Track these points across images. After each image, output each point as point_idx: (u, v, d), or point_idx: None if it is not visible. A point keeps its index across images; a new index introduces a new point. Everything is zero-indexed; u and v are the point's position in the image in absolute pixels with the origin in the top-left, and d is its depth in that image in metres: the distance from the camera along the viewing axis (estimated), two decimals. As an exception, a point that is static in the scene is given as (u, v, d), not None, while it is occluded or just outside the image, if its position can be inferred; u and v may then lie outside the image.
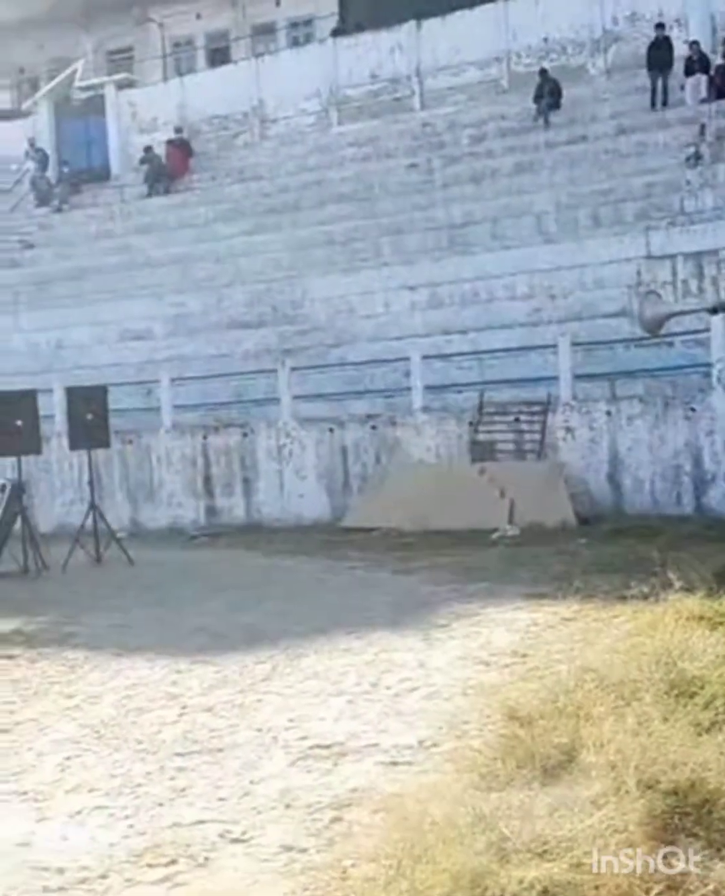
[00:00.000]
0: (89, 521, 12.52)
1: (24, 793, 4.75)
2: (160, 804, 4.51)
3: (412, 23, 21.98)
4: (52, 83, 26.72)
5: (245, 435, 15.02)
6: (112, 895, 3.68)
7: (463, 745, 4.91)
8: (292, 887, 3.63)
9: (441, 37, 21.75)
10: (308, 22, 27.89)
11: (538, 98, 19.72)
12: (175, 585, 10.53)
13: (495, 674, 6.20)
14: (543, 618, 7.61)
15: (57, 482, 15.96)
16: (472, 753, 4.71)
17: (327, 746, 5.11)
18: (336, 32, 23.72)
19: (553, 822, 3.75)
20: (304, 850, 3.94)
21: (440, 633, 7.43)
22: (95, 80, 26.25)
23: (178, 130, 24.09)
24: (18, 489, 12.21)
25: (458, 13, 21.52)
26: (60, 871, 3.89)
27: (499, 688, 5.74)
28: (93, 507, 12.63)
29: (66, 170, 24.96)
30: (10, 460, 12.90)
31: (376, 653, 6.98)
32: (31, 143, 25.53)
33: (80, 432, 12.86)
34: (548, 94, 19.67)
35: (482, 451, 13.39)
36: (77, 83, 25.91)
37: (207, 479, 15.29)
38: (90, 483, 13.11)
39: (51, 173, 25.29)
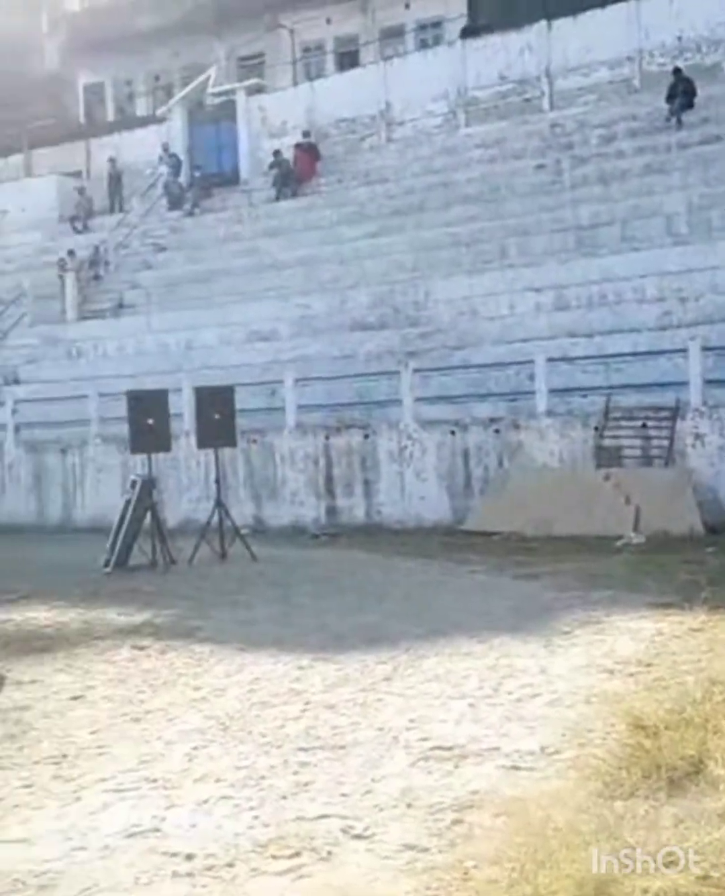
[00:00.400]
0: (215, 518, 12.80)
1: (154, 780, 4.89)
2: (284, 797, 4.59)
3: (543, 23, 21.84)
4: (186, 90, 27.38)
5: (367, 436, 15.12)
6: (238, 884, 3.77)
7: (586, 753, 4.86)
8: (413, 885, 3.66)
9: (572, 36, 21.55)
10: (437, 24, 27.95)
11: (670, 98, 19.37)
12: (297, 583, 10.68)
13: (619, 683, 6.12)
14: (669, 627, 7.47)
15: (184, 479, 16.34)
16: (595, 761, 4.67)
17: (448, 748, 5.12)
18: (466, 33, 23.68)
19: (679, 834, 3.71)
20: (425, 850, 3.96)
21: (563, 640, 7.36)
22: (226, 87, 26.80)
23: (306, 134, 24.42)
24: (149, 485, 12.54)
25: (589, 12, 21.30)
26: (189, 857, 4.00)
27: (623, 697, 5.67)
28: (219, 504, 12.90)
29: (197, 174, 25.55)
30: (141, 457, 13.31)
31: (498, 657, 6.96)
32: (165, 149, 26.21)
33: (208, 431, 13.13)
34: (681, 93, 19.30)
35: (607, 457, 13.20)
36: (210, 89, 26.49)
37: (329, 479, 15.44)
38: (216, 481, 13.36)
39: (183, 178, 25.91)
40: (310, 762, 5.04)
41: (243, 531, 13.27)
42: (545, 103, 21.94)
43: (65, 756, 5.32)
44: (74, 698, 6.49)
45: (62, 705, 6.34)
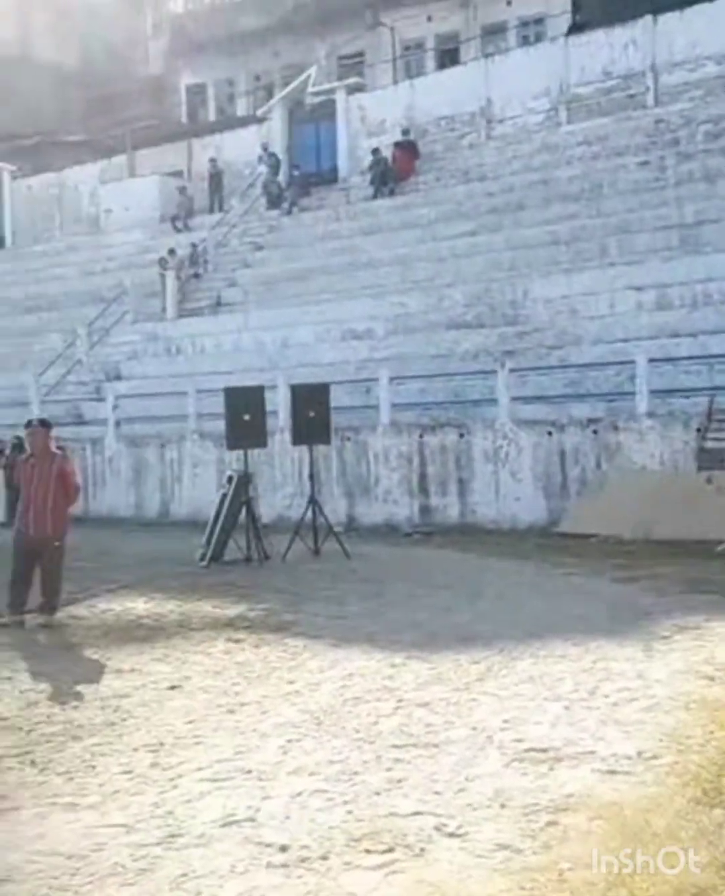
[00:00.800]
0: (309, 515, 12.87)
1: (249, 771, 4.94)
2: (377, 793, 4.60)
3: (648, 18, 21.51)
4: (287, 90, 27.62)
5: (461, 435, 15.05)
6: (332, 876, 3.79)
7: (685, 759, 4.77)
8: (507, 885, 3.64)
9: (678, 31, 21.17)
10: (539, 21, 27.71)
11: (780, 92, 18.90)
12: (389, 581, 10.69)
13: (718, 689, 5.98)
14: (771, 634, 7.29)
15: (279, 476, 16.47)
16: (694, 768, 4.58)
17: (543, 750, 5.07)
18: (571, 30, 23.41)
19: (783, 846, 3.61)
20: (519, 851, 3.93)
21: (661, 645, 7.23)
22: (326, 86, 26.94)
23: (405, 132, 24.43)
24: (245, 481, 12.68)
25: (696, 7, 20.92)
26: (283, 848, 4.03)
27: (723, 703, 5.55)
28: (312, 500, 12.98)
29: (296, 173, 25.74)
30: (237, 453, 13.46)
31: (594, 661, 6.87)
32: (265, 148, 26.48)
33: (303, 428, 13.20)
34: (792, 87, 18.79)
35: (709, 459, 12.90)
36: (310, 89, 26.66)
37: (423, 478, 15.41)
38: (311, 477, 13.46)
39: (282, 177, 26.14)
40: (403, 759, 5.04)
41: (336, 528, 13.32)
42: (650, 99, 21.58)
43: (162, 744, 5.41)
44: (172, 688, 6.60)
45: (160, 695, 6.45)
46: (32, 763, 5.17)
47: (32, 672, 7.17)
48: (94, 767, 5.08)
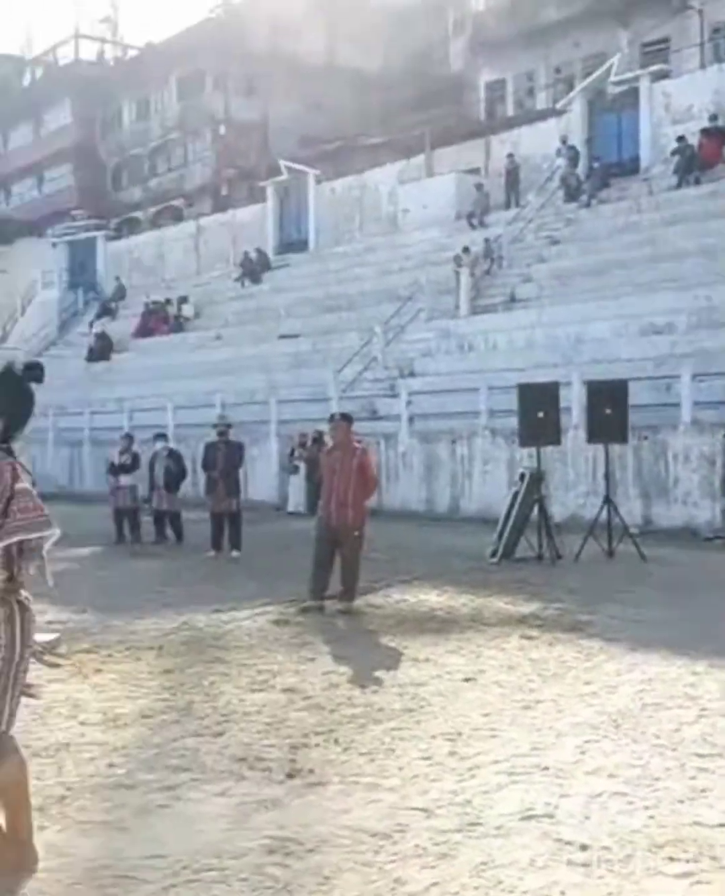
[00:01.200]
0: (603, 515, 12.62)
1: (546, 768, 4.93)
2: (680, 801, 4.46)
3: None
4: (587, 80, 27.11)
5: (771, 436, 14.25)
6: (634, 880, 3.72)
7: None
8: None
9: None
10: None
11: None
12: (689, 586, 10.31)
13: None
14: None
15: (572, 474, 16.24)
16: None
17: None
18: None
19: None
20: None
21: None
22: (629, 74, 26.19)
23: (713, 118, 23.38)
24: (538, 478, 12.60)
25: None
26: (583, 847, 3.99)
27: None
28: (607, 500, 12.71)
29: (596, 165, 25.24)
30: (529, 450, 13.40)
31: None
32: (563, 141, 26.18)
33: (598, 426, 12.94)
34: None
35: None
36: (612, 78, 26.02)
37: (726, 480, 14.70)
38: (606, 477, 13.19)
39: (580, 169, 25.72)
40: (708, 769, 4.86)
41: (632, 530, 12.96)
42: None
43: (459, 734, 5.49)
44: (467, 680, 6.68)
45: (455, 686, 6.54)
46: (336, 742, 5.39)
47: (334, 655, 7.48)
48: (393, 751, 5.24)
